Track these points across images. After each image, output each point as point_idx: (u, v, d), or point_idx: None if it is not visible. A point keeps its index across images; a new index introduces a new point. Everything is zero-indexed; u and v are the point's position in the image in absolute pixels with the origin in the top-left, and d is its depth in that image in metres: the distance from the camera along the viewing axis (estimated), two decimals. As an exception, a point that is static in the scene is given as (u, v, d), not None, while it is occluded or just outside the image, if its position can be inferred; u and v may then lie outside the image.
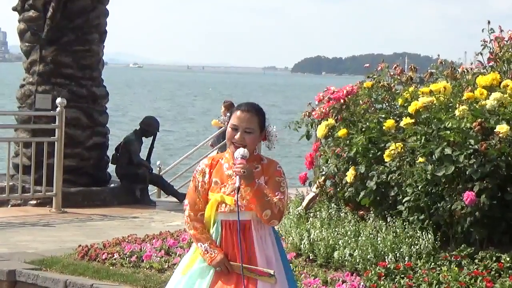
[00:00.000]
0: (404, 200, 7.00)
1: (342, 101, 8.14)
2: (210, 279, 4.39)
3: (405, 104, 7.67)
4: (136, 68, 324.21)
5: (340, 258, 6.79)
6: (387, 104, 8.19)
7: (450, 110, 7.15)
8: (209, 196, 4.45)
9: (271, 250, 4.45)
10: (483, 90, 7.10)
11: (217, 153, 13.60)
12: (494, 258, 6.41)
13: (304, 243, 7.12)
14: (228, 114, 4.53)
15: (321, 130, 8.07)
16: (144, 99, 69.60)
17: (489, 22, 8.12)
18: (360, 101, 8.13)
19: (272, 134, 4.52)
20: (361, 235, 6.94)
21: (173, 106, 61.93)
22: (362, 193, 7.43)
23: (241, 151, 4.34)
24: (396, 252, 6.67)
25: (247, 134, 4.41)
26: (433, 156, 6.81)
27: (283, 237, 7.57)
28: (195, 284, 4.42)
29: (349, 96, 8.15)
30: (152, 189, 13.36)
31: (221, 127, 13.29)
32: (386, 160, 7.15)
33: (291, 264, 6.93)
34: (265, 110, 4.54)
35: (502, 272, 6.23)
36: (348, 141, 7.71)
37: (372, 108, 8.10)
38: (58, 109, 10.83)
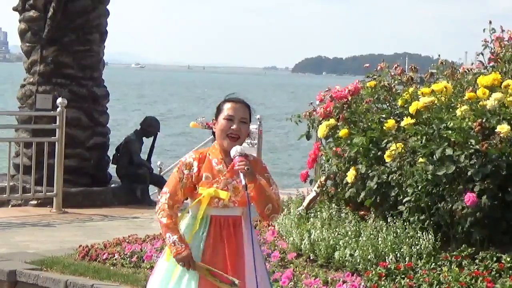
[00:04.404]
0: (404, 201, 7.00)
1: (345, 100, 8.11)
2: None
3: (405, 105, 7.66)
4: (138, 68, 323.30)
5: (340, 258, 6.79)
6: (387, 104, 8.18)
7: (450, 110, 7.14)
8: (199, 190, 4.40)
9: (258, 246, 4.47)
10: (485, 90, 7.09)
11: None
12: (494, 259, 6.40)
13: (305, 243, 7.12)
14: (203, 117, 4.49)
15: (322, 130, 8.04)
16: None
17: (490, 22, 8.11)
18: (363, 100, 8.10)
19: (253, 131, 4.52)
20: (362, 235, 6.94)
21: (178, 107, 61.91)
22: (362, 194, 7.43)
23: (238, 148, 4.32)
24: (396, 252, 6.67)
25: (243, 124, 4.42)
26: (434, 156, 6.80)
27: (284, 237, 7.57)
28: None
29: (352, 96, 8.12)
30: (153, 189, 13.35)
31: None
32: (386, 161, 7.14)
33: (291, 264, 6.96)
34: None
35: (502, 273, 6.22)
36: (349, 141, 7.70)
37: (375, 108, 8.08)
38: (58, 109, 10.83)
